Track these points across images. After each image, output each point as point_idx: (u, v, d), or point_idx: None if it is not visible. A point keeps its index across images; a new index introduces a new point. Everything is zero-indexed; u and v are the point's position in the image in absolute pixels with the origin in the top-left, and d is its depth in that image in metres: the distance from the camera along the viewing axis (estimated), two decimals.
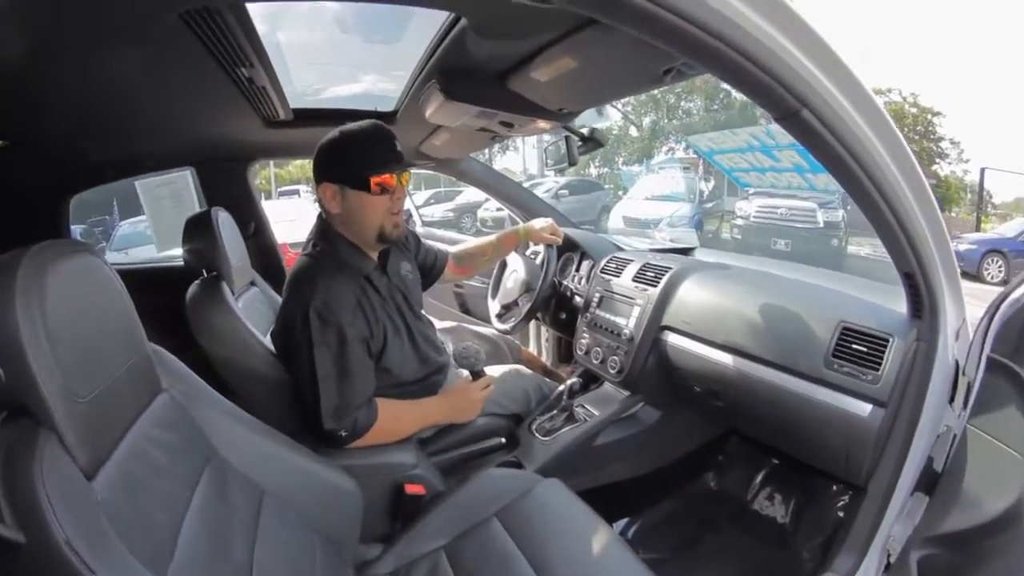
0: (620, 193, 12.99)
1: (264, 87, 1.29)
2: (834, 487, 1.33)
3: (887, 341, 0.99)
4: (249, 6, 0.96)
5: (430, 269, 1.58)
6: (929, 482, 0.94)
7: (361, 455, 1.20)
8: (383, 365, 1.25)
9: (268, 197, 14.22)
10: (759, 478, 1.52)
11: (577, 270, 1.88)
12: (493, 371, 1.61)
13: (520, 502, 1.10)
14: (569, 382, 1.58)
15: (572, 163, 1.43)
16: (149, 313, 0.84)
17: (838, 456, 1.07)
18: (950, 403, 0.93)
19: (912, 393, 0.95)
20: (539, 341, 2.37)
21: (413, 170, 1.28)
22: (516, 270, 1.85)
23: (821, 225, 8.45)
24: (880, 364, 0.99)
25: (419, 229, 2.84)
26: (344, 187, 1.17)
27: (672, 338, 1.38)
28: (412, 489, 1.19)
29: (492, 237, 1.73)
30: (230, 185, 1.82)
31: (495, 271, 1.97)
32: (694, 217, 9.97)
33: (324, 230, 1.25)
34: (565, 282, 1.84)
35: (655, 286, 1.45)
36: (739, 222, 9.14)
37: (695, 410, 1.50)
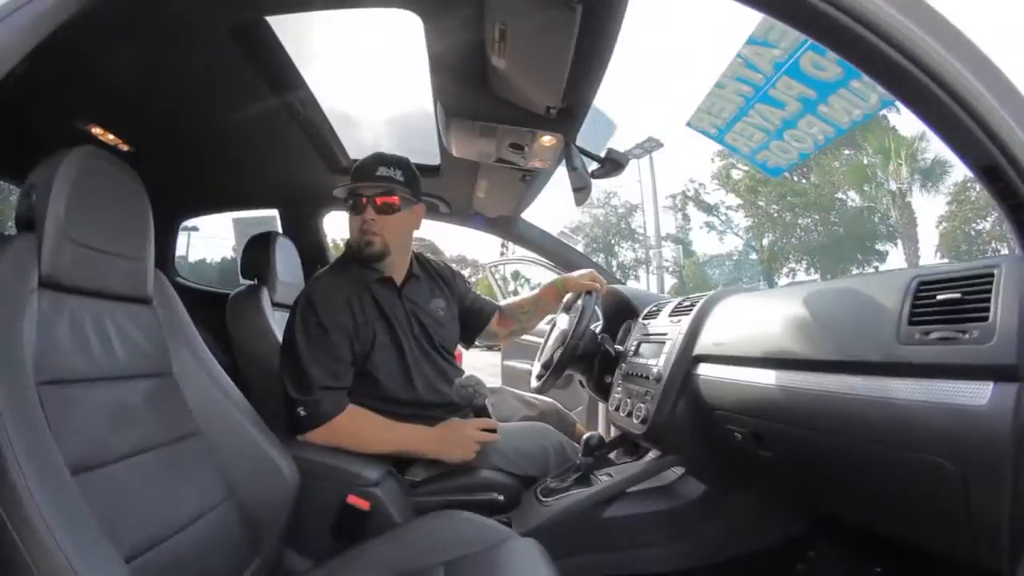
0: None
1: (321, 131, 1.51)
2: None
3: (991, 275, 0.60)
4: (285, 42, 1.19)
5: (476, 316, 1.52)
6: None
7: (321, 453, 1.09)
8: (369, 370, 1.20)
9: None
10: None
11: None
12: (515, 425, 1.41)
13: (478, 556, 0.85)
14: (586, 435, 1.25)
15: (572, 168, 1.29)
16: (207, 324, 0.98)
17: (950, 507, 0.60)
18: None
19: None
20: (608, 426, 2.00)
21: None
22: (559, 326, 1.65)
23: None
24: (988, 307, 0.58)
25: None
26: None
27: (705, 369, 1.04)
28: (354, 500, 1.01)
29: (535, 291, 1.63)
30: (306, 229, 2.03)
31: (546, 335, 1.79)
32: None
33: (347, 246, 1.32)
34: (620, 348, 1.53)
35: (688, 314, 1.15)
36: None
37: (756, 489, 1.06)
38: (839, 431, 0.74)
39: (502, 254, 3.18)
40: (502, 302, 1.63)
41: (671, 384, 1.09)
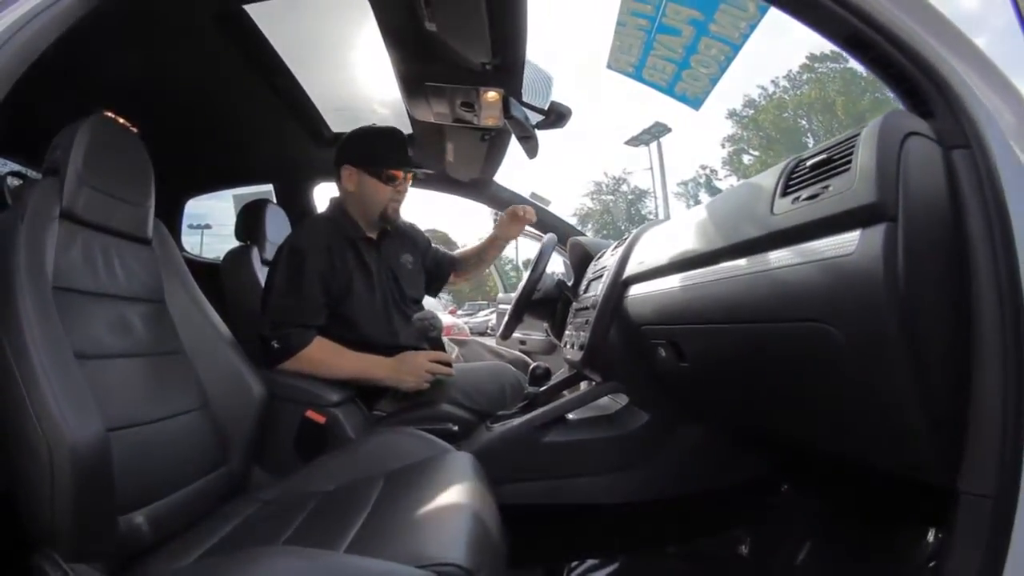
0: None
1: (305, 109, 1.60)
2: (927, 538, 0.73)
3: (858, 134, 0.55)
4: (262, 26, 1.27)
5: (436, 269, 1.58)
6: None
7: (289, 376, 1.15)
8: (346, 313, 1.25)
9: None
10: (809, 545, 0.94)
11: None
12: (475, 365, 1.44)
13: (415, 466, 0.89)
14: (532, 365, 1.26)
15: (510, 117, 1.31)
16: (202, 289, 1.04)
17: (855, 392, 0.55)
18: None
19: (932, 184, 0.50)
20: None
21: None
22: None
23: None
24: (850, 161, 0.53)
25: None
26: (362, 171, 1.30)
27: (633, 290, 1.01)
28: (312, 415, 1.07)
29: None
30: (298, 202, 2.08)
31: None
32: None
33: (334, 204, 1.39)
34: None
35: (623, 245, 1.14)
36: None
37: (702, 424, 1.04)
38: (733, 317, 0.70)
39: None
40: (455, 252, 1.68)
41: (604, 308, 1.06)
